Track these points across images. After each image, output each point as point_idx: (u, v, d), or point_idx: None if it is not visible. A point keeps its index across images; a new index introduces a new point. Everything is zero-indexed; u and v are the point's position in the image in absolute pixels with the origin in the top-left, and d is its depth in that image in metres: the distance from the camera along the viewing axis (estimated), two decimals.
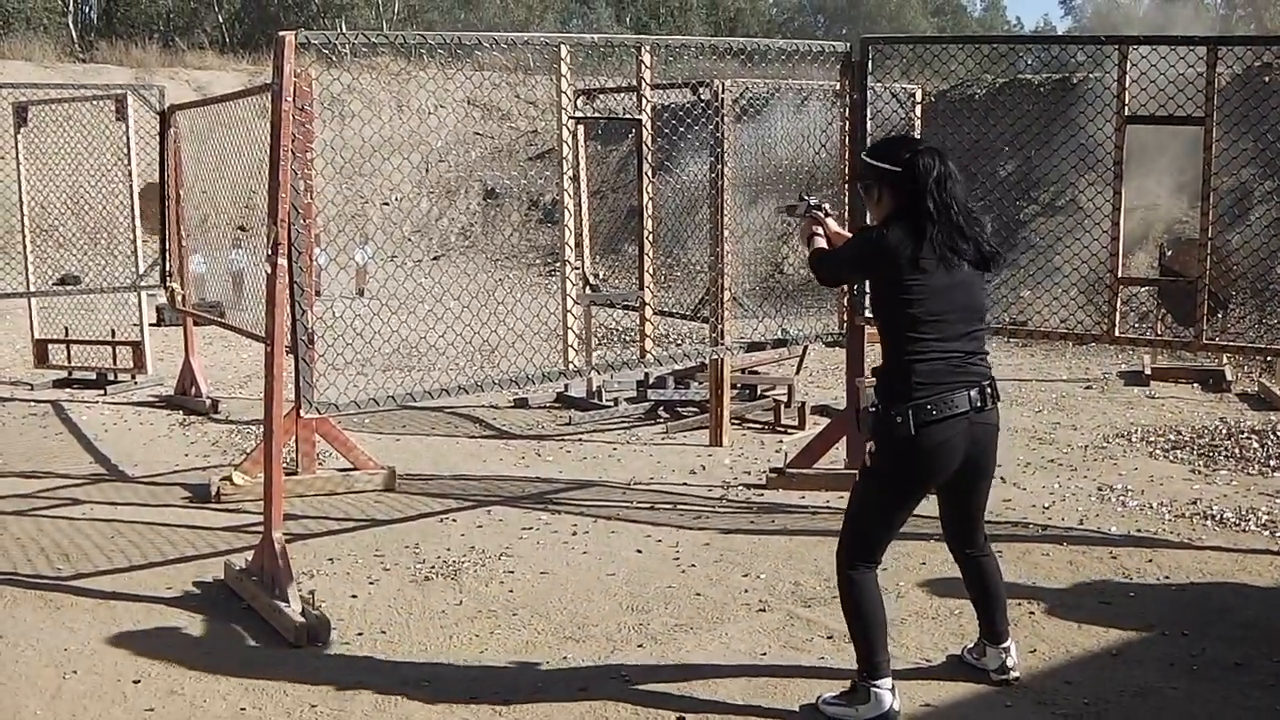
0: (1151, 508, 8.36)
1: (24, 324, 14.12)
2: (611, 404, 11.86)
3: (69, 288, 15.47)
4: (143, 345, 13.28)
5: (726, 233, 9.27)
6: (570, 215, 8.23)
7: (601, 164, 20.25)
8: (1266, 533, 7.78)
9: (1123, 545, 7.51)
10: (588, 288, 10.70)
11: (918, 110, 9.50)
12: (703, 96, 9.03)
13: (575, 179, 8.83)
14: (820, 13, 77.62)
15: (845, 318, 8.98)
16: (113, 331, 13.54)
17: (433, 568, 7.19)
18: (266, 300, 6.50)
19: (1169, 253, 14.14)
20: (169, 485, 9.21)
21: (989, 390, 5.03)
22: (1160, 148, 14.97)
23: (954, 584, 5.60)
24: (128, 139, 12.54)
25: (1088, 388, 12.93)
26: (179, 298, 11.76)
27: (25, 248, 13.08)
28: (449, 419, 11.59)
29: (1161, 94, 7.71)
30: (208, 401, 12.01)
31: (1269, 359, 12.63)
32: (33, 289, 13.29)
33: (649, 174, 8.32)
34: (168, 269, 11.81)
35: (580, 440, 10.72)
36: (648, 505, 8.57)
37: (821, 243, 5.59)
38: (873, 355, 8.72)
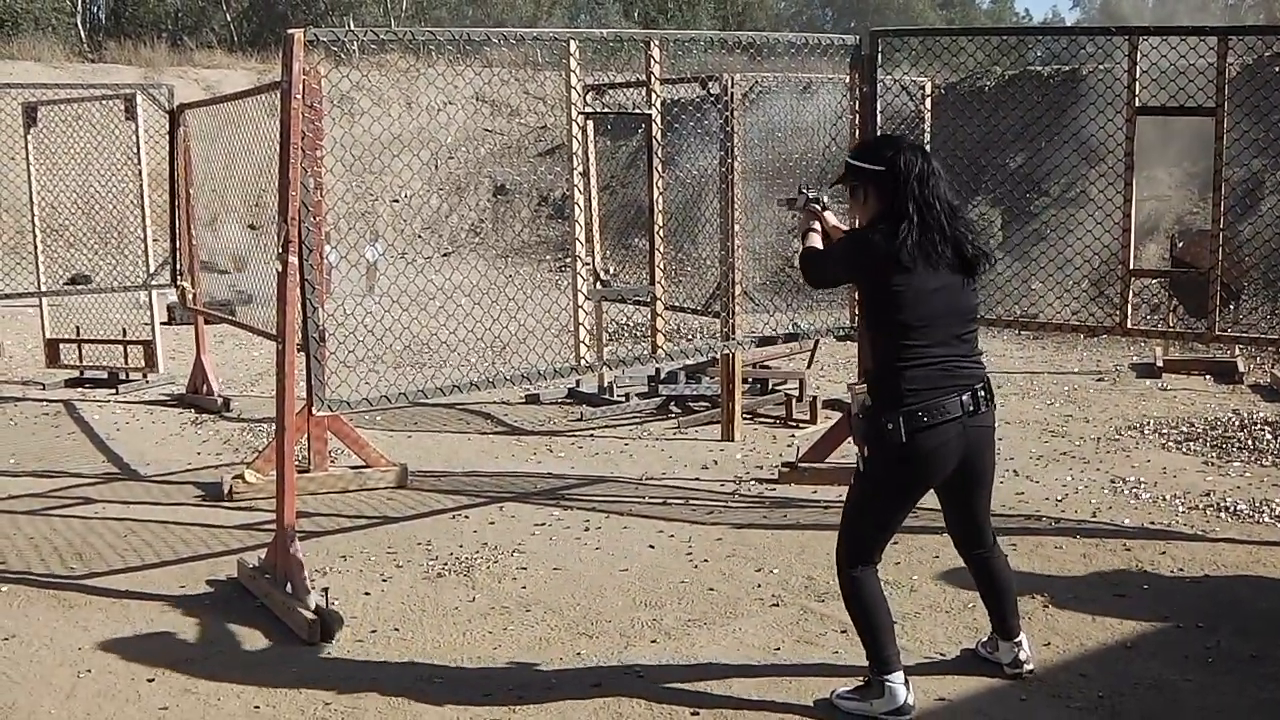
0: (1165, 500, 8.34)
1: (35, 324, 14.16)
2: (623, 399, 11.85)
3: (80, 287, 15.51)
4: (154, 344, 13.30)
5: (737, 227, 9.25)
6: (580, 211, 8.22)
7: (611, 159, 20.25)
8: None
9: (1136, 538, 7.50)
10: (598, 283, 10.70)
11: (928, 103, 9.48)
12: (712, 91, 9.02)
13: (585, 174, 8.84)
14: (829, 6, 77.60)
15: (856, 311, 8.97)
16: (124, 330, 13.56)
17: (445, 564, 7.19)
18: (278, 298, 6.50)
19: (1180, 244, 14.10)
20: (181, 484, 9.22)
21: (982, 393, 5.01)
22: (1170, 139, 14.94)
23: (967, 577, 5.58)
24: (137, 138, 12.54)
25: (1099, 380, 12.91)
26: (190, 296, 11.77)
27: (36, 248, 13.11)
28: (460, 415, 11.59)
29: (1172, 84, 7.69)
30: (219, 400, 12.01)
31: None
32: (44, 289, 13.31)
33: (659, 169, 8.31)
34: (178, 267, 11.82)
35: (592, 436, 10.71)
36: (660, 500, 8.57)
37: (816, 239, 5.54)
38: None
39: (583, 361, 8.05)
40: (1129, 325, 8.13)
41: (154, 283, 12.72)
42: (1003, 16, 77.06)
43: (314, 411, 6.91)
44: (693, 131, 9.84)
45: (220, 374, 12.87)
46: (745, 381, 11.22)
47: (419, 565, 7.19)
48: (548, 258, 24.21)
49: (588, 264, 8.80)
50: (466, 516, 8.23)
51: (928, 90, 9.48)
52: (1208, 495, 8.42)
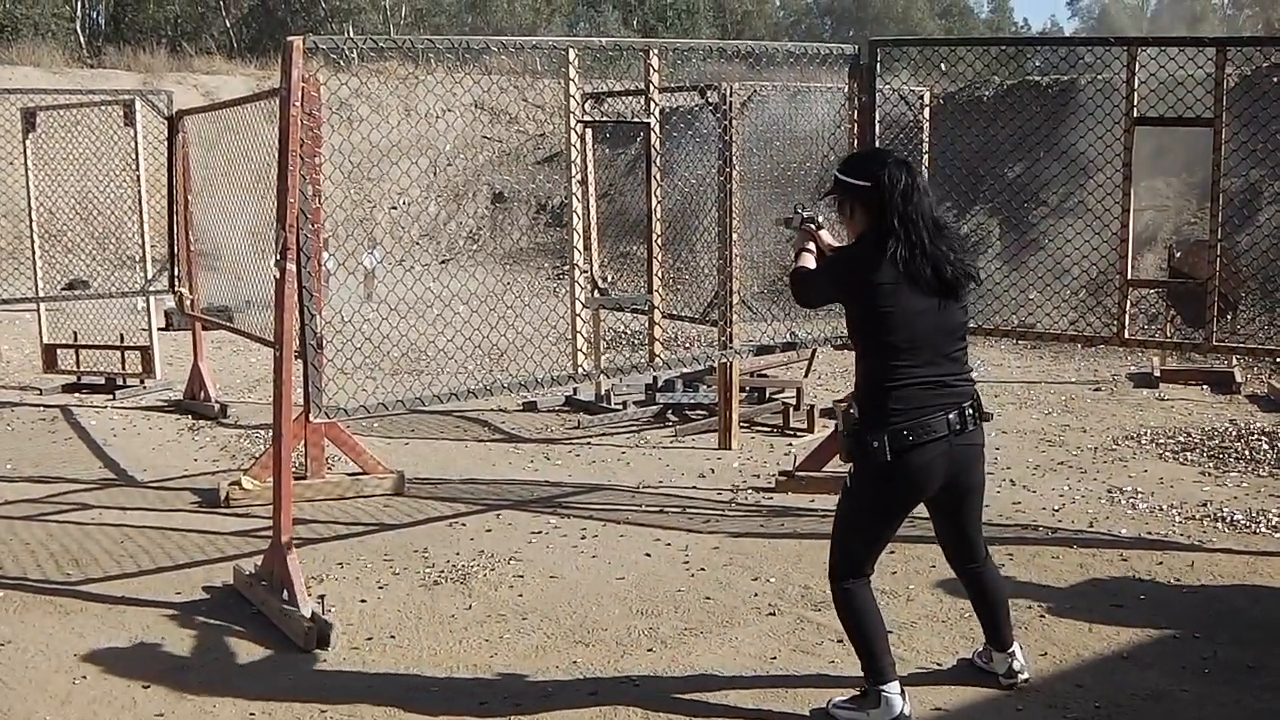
0: (1162, 510, 8.34)
1: (33, 329, 14.14)
2: (620, 407, 11.85)
3: (78, 292, 15.48)
4: (151, 350, 13.29)
5: (735, 235, 9.26)
6: (578, 219, 8.22)
7: (609, 167, 20.23)
8: (1278, 535, 7.76)
9: (1133, 547, 7.50)
10: (596, 291, 10.70)
11: (926, 112, 9.49)
12: (710, 100, 9.03)
13: (583, 182, 8.84)
14: (827, 15, 77.73)
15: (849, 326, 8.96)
16: (121, 336, 13.54)
17: (442, 572, 7.18)
18: (275, 304, 6.50)
19: (1178, 254, 14.11)
20: (178, 490, 9.22)
21: (970, 412, 5.00)
22: (1168, 149, 14.95)
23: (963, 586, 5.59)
24: (135, 144, 12.54)
25: (1097, 389, 12.91)
26: (187, 302, 11.77)
27: (34, 253, 13.09)
28: (458, 423, 11.58)
29: (1170, 95, 7.70)
30: (216, 406, 12.00)
31: (1279, 360, 12.60)
32: (41, 294, 13.29)
33: (657, 177, 8.32)
34: (176, 273, 11.82)
35: (589, 444, 10.71)
36: (657, 509, 8.57)
37: (809, 259, 5.48)
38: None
39: (580, 369, 8.05)
40: (1126, 335, 8.13)
41: (152, 288, 12.72)
42: (1002, 26, 77.30)
43: (311, 418, 6.90)
44: (691, 140, 9.84)
45: (218, 380, 12.87)
46: (743, 390, 11.23)
47: (415, 573, 7.19)
48: (546, 265, 24.20)
49: (585, 272, 8.80)
50: (463, 524, 8.23)
51: (926, 100, 9.50)
52: (1205, 505, 8.42)
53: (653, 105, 8.22)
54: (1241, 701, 5.31)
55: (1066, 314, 9.03)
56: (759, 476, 9.39)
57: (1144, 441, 10.40)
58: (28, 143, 12.97)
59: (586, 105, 10.63)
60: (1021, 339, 12.17)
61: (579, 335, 8.03)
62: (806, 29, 74.66)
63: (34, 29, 43.26)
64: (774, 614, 6.46)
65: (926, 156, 9.15)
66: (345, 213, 19.48)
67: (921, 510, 5.23)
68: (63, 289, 16.53)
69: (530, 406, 12.22)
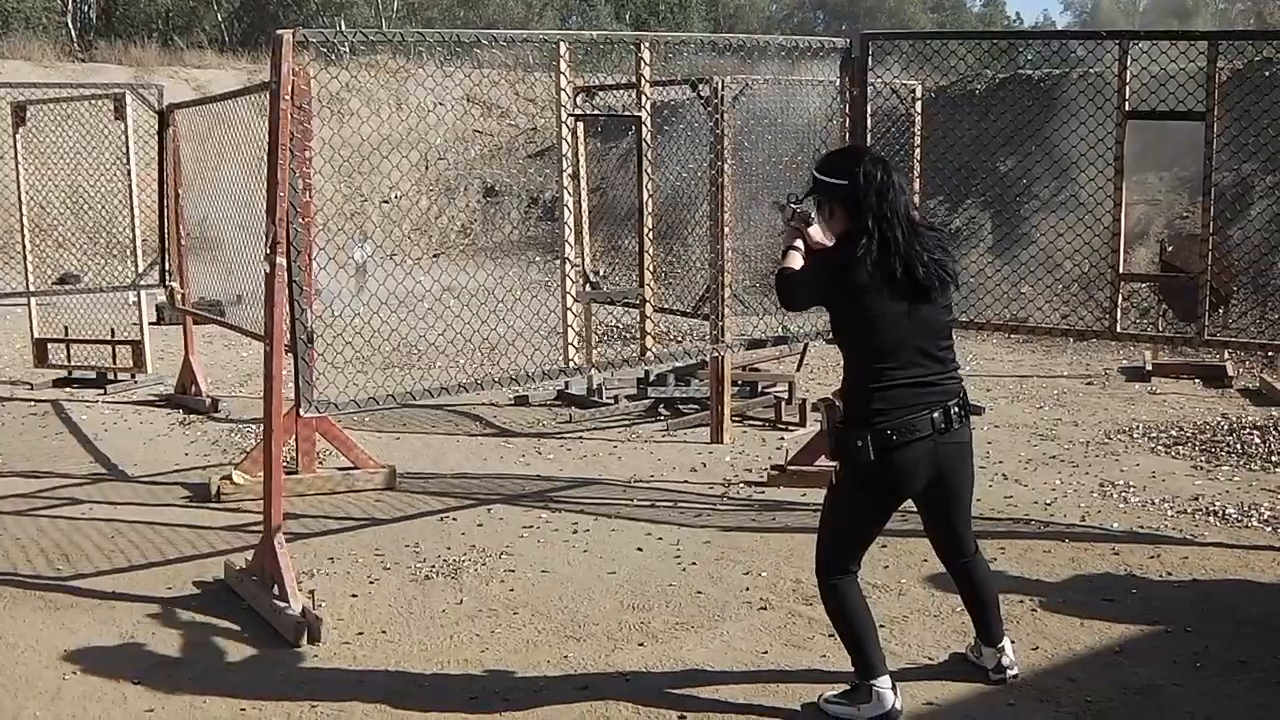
0: (1153, 504, 8.35)
1: (24, 323, 14.09)
2: (612, 401, 11.84)
3: (68, 287, 15.45)
4: (142, 344, 13.25)
5: (727, 229, 9.24)
6: (570, 213, 8.21)
7: (601, 161, 20.21)
8: (1269, 529, 7.77)
9: (1125, 542, 7.50)
10: (588, 285, 10.68)
11: (918, 105, 9.48)
12: (702, 93, 9.01)
13: (575, 176, 8.82)
14: (820, 8, 77.65)
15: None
16: (112, 331, 13.51)
17: (433, 567, 7.17)
18: (265, 299, 6.48)
19: (1170, 248, 14.09)
20: (169, 485, 9.20)
21: (956, 410, 4.99)
22: (1161, 143, 14.96)
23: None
24: (126, 138, 12.51)
25: (1089, 384, 12.91)
26: (178, 296, 11.74)
27: (24, 247, 13.05)
28: (449, 417, 11.57)
29: (1162, 89, 7.70)
30: (208, 400, 11.98)
31: (1270, 354, 12.61)
32: (32, 288, 13.27)
33: (649, 171, 8.30)
34: (167, 267, 11.79)
35: (581, 438, 10.70)
36: (648, 503, 8.56)
37: (796, 258, 5.39)
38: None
39: (571, 364, 8.04)
40: (1119, 329, 8.13)
41: (143, 283, 12.69)
42: (994, 20, 77.24)
43: (301, 413, 6.89)
44: (683, 133, 9.81)
45: (209, 374, 12.84)
46: (735, 384, 11.22)
47: (406, 567, 7.18)
48: (537, 259, 24.18)
49: (577, 266, 8.79)
50: (454, 519, 8.22)
51: (918, 94, 9.48)
52: (1196, 499, 8.42)
53: (644, 99, 8.20)
54: (1234, 696, 5.31)
55: (1058, 308, 9.05)
56: (751, 471, 9.38)
57: (1136, 435, 10.40)
58: (18, 137, 12.94)
59: (578, 99, 10.61)
60: (1014, 333, 12.17)
61: (570, 329, 8.02)
62: (799, 23, 74.64)
63: (25, 23, 43.13)
64: (765, 608, 6.45)
65: (919, 150, 9.15)
66: (336, 207, 19.43)
67: (910, 505, 5.23)
68: (54, 284, 16.49)
69: (522, 401, 12.20)
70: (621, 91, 11.13)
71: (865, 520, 5.10)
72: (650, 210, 8.41)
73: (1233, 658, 5.71)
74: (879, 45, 8.64)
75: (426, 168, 27.38)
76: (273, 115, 6.34)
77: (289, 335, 6.61)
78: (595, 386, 12.10)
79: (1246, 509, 8.14)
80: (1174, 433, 10.41)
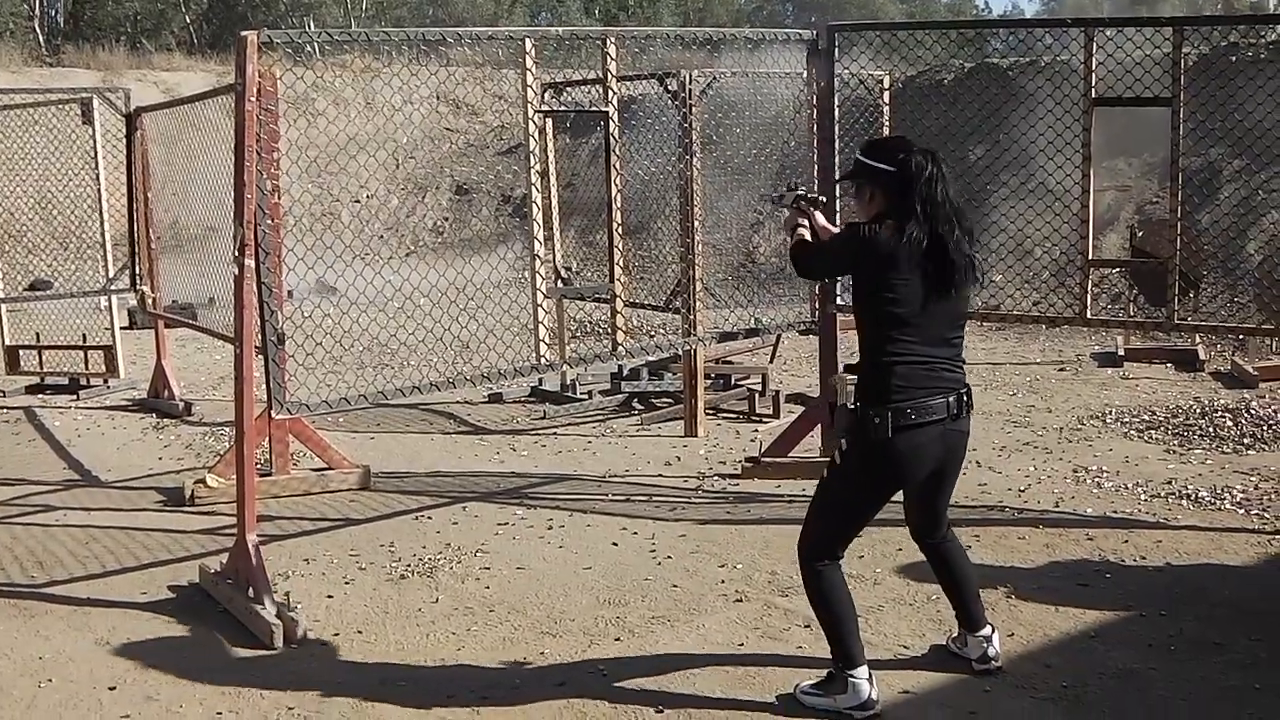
0: (1127, 488, 8.38)
1: None
2: (586, 397, 11.84)
3: (39, 293, 15.38)
4: (114, 349, 13.19)
5: (697, 223, 9.25)
6: (538, 209, 8.20)
7: (572, 157, 20.18)
8: (1242, 511, 7.81)
9: (1099, 526, 7.53)
10: (559, 281, 10.68)
11: (885, 96, 9.50)
12: (670, 87, 9.01)
13: (544, 173, 8.80)
14: (789, 1, 77.63)
15: (818, 306, 8.98)
16: (84, 336, 13.45)
17: (409, 566, 7.16)
18: (235, 301, 6.46)
19: (1140, 234, 14.15)
20: (143, 489, 9.16)
21: (964, 398, 5.04)
22: (1132, 128, 15.01)
23: (931, 570, 5.60)
24: (94, 142, 12.46)
25: (1061, 370, 12.96)
26: (150, 300, 11.70)
27: None
28: (423, 416, 11.55)
29: (1129, 75, 7.73)
30: (180, 404, 11.94)
31: (1241, 337, 12.67)
32: (3, 295, 13.21)
33: (618, 166, 8.30)
34: (138, 272, 11.75)
35: (555, 434, 10.69)
36: (623, 498, 8.56)
37: (806, 234, 5.53)
38: (846, 344, 8.75)
39: (544, 360, 8.03)
40: (1090, 315, 8.16)
41: (114, 287, 12.65)
42: (963, 10, 77.29)
43: (273, 415, 6.87)
44: (652, 128, 9.81)
45: (181, 378, 12.81)
46: (708, 377, 11.23)
47: (382, 567, 7.17)
48: (509, 256, 24.15)
49: (547, 262, 8.79)
50: (429, 517, 8.20)
51: (886, 84, 9.50)
52: (1169, 483, 8.46)
53: (611, 94, 8.20)
54: (1208, 678, 5.33)
55: (1030, 295, 9.06)
56: (725, 463, 9.39)
57: (1109, 420, 10.44)
58: None
59: (545, 95, 10.60)
60: (985, 320, 12.23)
61: (542, 325, 8.01)
62: (768, 15, 74.60)
63: None
64: (741, 600, 6.46)
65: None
66: (304, 208, 19.37)
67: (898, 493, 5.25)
68: (24, 289, 16.44)
69: (496, 398, 12.19)
70: (589, 87, 11.12)
71: (864, 503, 5.09)
72: (620, 205, 8.41)
73: (1207, 640, 5.73)
74: (845, 36, 8.65)
75: (396, 166, 27.32)
76: (238, 117, 6.32)
77: (260, 337, 6.59)
78: (569, 382, 12.10)
79: (1219, 492, 8.17)
80: (1146, 417, 10.46)
